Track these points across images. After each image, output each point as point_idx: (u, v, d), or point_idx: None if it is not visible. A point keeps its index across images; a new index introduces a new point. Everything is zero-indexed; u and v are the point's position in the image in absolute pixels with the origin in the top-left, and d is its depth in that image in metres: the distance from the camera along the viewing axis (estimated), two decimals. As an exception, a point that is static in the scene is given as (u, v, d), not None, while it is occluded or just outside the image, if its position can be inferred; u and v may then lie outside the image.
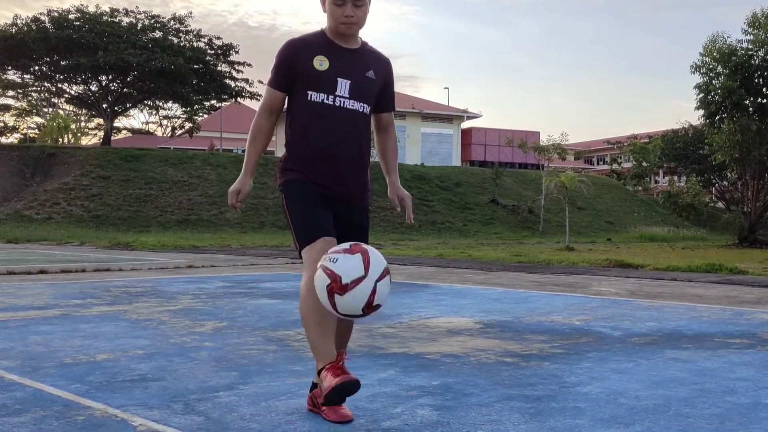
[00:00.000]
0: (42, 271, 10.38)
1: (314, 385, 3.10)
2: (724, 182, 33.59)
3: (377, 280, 2.67)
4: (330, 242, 2.92)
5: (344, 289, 2.63)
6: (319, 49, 2.99)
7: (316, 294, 2.75)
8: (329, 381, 2.78)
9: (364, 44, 3.12)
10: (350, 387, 2.79)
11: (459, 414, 3.10)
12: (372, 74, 3.06)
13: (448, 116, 45.72)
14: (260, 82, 65.97)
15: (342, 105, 2.99)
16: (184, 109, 50.22)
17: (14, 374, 3.77)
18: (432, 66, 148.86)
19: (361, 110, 3.03)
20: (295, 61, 2.98)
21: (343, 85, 2.98)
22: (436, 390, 3.53)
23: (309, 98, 2.99)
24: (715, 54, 23.79)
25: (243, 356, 4.33)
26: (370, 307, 2.68)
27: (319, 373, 2.90)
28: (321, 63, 2.97)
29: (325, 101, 2.98)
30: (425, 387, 3.59)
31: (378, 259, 2.73)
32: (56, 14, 42.28)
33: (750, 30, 23.86)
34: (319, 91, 2.97)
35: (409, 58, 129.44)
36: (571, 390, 3.56)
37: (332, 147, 2.99)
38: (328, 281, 2.65)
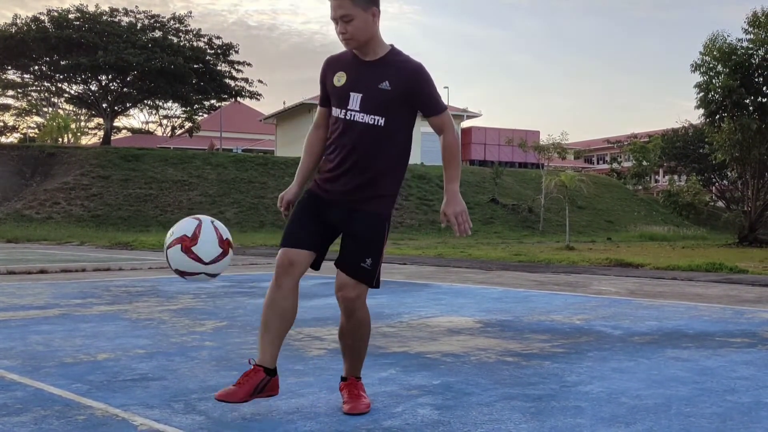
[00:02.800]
0: (42, 271, 10.37)
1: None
2: (724, 181, 33.61)
3: (167, 248, 3.16)
4: (287, 254, 3.05)
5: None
6: (342, 65, 3.13)
7: (270, 307, 3.07)
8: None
9: (391, 53, 3.10)
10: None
11: (460, 413, 3.10)
12: (387, 85, 3.03)
13: (448, 116, 45.64)
14: (260, 81, 65.76)
15: (352, 118, 3.05)
16: (183, 108, 50.22)
17: (15, 374, 3.77)
18: (432, 65, 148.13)
19: (372, 122, 3.03)
20: (325, 79, 3.17)
21: (355, 99, 3.05)
22: (437, 389, 3.53)
23: (332, 113, 3.15)
24: (715, 53, 23.76)
25: (243, 356, 4.32)
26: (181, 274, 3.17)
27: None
28: (339, 79, 3.10)
29: (340, 116, 3.09)
30: (426, 386, 3.59)
31: (179, 228, 3.19)
32: (56, 14, 42.26)
33: (750, 29, 23.83)
34: (337, 106, 3.11)
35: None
36: (571, 389, 3.56)
37: (342, 159, 3.07)
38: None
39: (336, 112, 3.11)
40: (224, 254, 3.16)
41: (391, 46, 3.14)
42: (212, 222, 3.23)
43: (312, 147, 3.26)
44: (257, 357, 3.08)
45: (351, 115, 3.05)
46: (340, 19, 2.97)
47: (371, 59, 3.08)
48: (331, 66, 3.18)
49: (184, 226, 3.15)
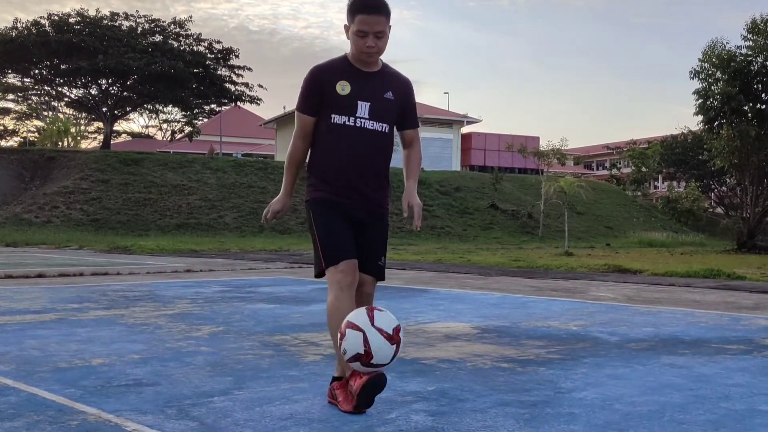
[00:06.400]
0: (40, 275, 10.37)
1: (334, 379, 3.32)
2: (723, 188, 33.64)
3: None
4: (352, 264, 3.22)
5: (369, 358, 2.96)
6: (341, 74, 3.25)
7: (341, 313, 3.10)
8: (357, 383, 3.06)
9: (385, 66, 3.35)
10: (378, 382, 3.03)
11: (453, 420, 3.10)
12: (390, 95, 3.29)
13: (448, 121, 45.74)
14: (260, 86, 65.58)
15: (363, 126, 3.24)
16: (183, 113, 50.25)
17: (9, 378, 3.77)
18: (432, 71, 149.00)
19: (380, 130, 3.28)
20: (320, 87, 3.25)
21: (363, 108, 3.24)
22: (432, 395, 3.53)
23: (332, 120, 3.26)
24: (714, 60, 23.79)
25: (239, 361, 4.33)
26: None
27: (333, 380, 3.32)
28: (343, 88, 3.23)
29: (347, 123, 3.23)
30: (420, 392, 3.59)
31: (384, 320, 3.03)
32: (56, 18, 42.32)
33: (749, 36, 23.86)
34: (341, 114, 3.24)
35: (409, 63, 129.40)
36: (566, 396, 3.56)
37: (352, 164, 3.25)
38: (362, 351, 2.94)
39: (340, 119, 3.23)
40: (398, 345, 2.99)
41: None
42: (373, 324, 2.96)
43: (301, 157, 3.39)
44: (348, 370, 3.12)
45: (361, 122, 3.23)
46: (375, 34, 3.16)
47: (373, 70, 3.28)
48: (328, 74, 3.25)
49: (351, 341, 2.93)
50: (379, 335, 2.93)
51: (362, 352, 2.92)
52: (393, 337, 2.96)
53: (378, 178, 3.31)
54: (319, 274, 3.30)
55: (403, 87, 3.35)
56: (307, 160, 3.40)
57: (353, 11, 3.17)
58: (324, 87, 3.23)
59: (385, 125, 3.29)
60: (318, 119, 3.29)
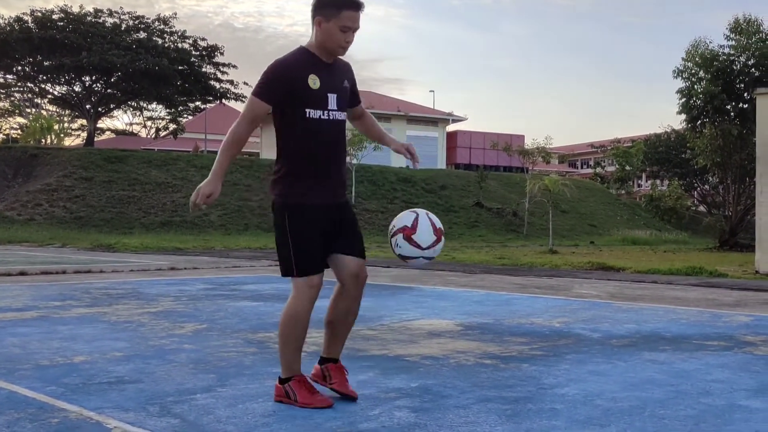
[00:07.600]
0: (22, 273, 10.28)
1: (282, 380, 3.31)
2: (706, 186, 33.87)
3: (392, 237, 3.41)
4: (321, 279, 3.25)
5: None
6: (310, 68, 3.21)
7: (301, 323, 3.24)
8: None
9: None
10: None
11: (436, 416, 3.11)
12: (346, 83, 3.38)
13: (434, 119, 45.79)
14: (245, 83, 65.23)
15: (334, 118, 3.28)
16: (168, 110, 49.95)
17: (-11, 376, 3.74)
18: (418, 69, 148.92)
19: (343, 118, 3.36)
20: (290, 83, 3.17)
21: (332, 99, 3.26)
22: (415, 392, 3.54)
23: (307, 115, 3.21)
24: (697, 59, 23.96)
25: (222, 358, 4.32)
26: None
27: (283, 381, 3.30)
28: (314, 82, 3.22)
29: (322, 117, 3.23)
30: (404, 389, 3.60)
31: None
32: (40, 14, 41.93)
33: (732, 35, 24.05)
34: (315, 108, 3.23)
35: (395, 61, 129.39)
36: (548, 391, 3.58)
37: (329, 158, 3.28)
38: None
39: (315, 113, 3.22)
40: (438, 241, 3.37)
41: None
42: (427, 214, 3.43)
43: (242, 141, 3.30)
44: (292, 372, 3.29)
45: (333, 115, 3.26)
46: (354, 31, 3.20)
47: (330, 61, 3.30)
48: (298, 71, 3.19)
49: (404, 218, 3.40)
50: (428, 221, 3.35)
51: (409, 225, 3.33)
52: (437, 230, 3.36)
53: (344, 166, 3.40)
54: (286, 273, 3.25)
55: (349, 73, 3.43)
56: (277, 156, 3.30)
57: (338, 6, 3.12)
58: (296, 83, 3.16)
59: (345, 113, 3.38)
60: (286, 114, 3.21)
